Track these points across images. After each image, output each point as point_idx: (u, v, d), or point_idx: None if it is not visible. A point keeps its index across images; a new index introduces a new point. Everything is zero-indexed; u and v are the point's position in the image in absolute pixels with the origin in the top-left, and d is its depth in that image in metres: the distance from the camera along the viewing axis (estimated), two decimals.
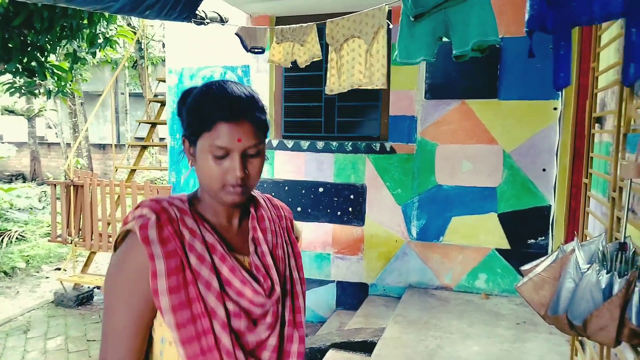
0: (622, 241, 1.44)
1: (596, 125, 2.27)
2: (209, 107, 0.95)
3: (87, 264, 5.41)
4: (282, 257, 1.10)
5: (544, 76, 3.62)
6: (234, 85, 0.98)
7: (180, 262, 0.92)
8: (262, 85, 4.51)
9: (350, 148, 4.25)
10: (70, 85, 5.89)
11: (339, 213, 4.33)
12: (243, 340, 0.96)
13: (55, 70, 5.34)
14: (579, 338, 2.43)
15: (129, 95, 16.55)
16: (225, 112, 0.93)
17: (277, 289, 1.02)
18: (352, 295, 4.33)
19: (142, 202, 1.01)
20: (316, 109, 4.47)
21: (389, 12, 2.90)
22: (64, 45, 5.21)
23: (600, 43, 2.15)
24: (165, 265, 0.90)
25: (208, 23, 3.07)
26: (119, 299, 0.93)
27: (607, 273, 1.38)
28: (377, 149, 4.17)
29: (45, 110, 14.26)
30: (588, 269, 1.38)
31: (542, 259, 1.55)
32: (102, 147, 15.71)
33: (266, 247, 1.06)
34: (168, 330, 0.91)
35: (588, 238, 2.11)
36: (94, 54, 5.58)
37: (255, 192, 1.16)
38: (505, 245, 3.85)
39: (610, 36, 2.02)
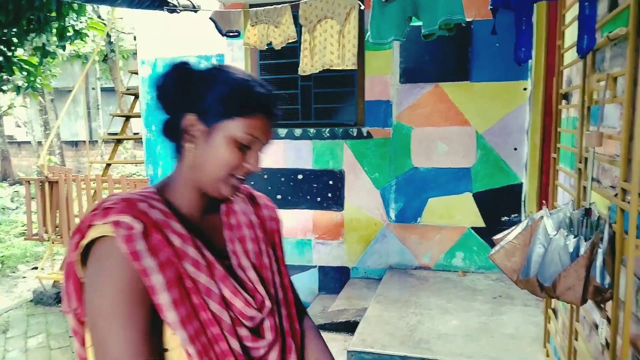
0: (587, 207, 1.52)
1: (563, 101, 2.36)
2: (255, 95, 0.91)
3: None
4: (269, 266, 1.04)
5: (513, 58, 3.70)
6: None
7: (177, 272, 0.84)
8: None
9: (328, 134, 4.29)
10: (40, 80, 5.76)
11: (318, 199, 4.37)
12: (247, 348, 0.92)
13: (23, 65, 5.20)
14: (552, 307, 2.53)
15: (101, 90, 16.14)
16: (268, 107, 0.93)
17: (267, 302, 0.97)
18: (334, 279, 4.39)
19: (107, 202, 0.86)
20: (293, 96, 4.49)
21: None
22: (32, 39, 5.08)
23: (565, 21, 2.23)
24: (163, 278, 0.81)
25: (180, 11, 3.05)
26: (118, 320, 0.79)
27: (574, 237, 1.46)
28: (354, 135, 4.22)
29: (14, 107, 13.86)
30: (556, 234, 1.45)
31: (513, 227, 1.63)
32: (75, 144, 15.33)
33: (247, 260, 0.99)
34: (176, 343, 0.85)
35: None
36: (63, 48, 5.47)
37: None
38: (480, 223, 3.96)
39: (574, 14, 2.09)
